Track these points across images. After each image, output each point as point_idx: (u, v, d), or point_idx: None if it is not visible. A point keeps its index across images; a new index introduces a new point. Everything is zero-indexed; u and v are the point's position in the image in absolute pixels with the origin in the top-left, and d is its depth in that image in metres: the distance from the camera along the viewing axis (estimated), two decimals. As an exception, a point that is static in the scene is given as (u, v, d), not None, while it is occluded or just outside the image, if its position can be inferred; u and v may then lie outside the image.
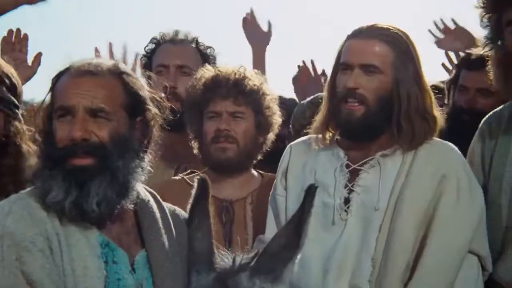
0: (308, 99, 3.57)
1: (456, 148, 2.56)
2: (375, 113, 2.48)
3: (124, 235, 2.07)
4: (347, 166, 2.54)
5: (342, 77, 2.51)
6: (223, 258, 1.91)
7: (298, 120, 3.50)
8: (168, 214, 2.15)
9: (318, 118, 2.59)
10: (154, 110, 2.14)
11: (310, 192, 1.81)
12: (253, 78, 2.93)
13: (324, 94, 2.64)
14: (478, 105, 3.28)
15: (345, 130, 2.54)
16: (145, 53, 3.55)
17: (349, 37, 2.54)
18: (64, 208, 1.96)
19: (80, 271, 1.94)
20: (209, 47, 3.56)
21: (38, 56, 3.56)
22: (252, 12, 4.47)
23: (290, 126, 3.56)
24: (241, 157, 2.89)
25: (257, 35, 4.43)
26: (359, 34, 2.52)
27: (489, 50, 2.65)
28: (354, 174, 2.52)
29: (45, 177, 1.99)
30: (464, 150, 3.15)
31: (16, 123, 2.45)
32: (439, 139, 2.56)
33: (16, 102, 2.47)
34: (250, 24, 4.45)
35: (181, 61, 3.46)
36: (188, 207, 2.11)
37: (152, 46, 3.55)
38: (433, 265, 2.38)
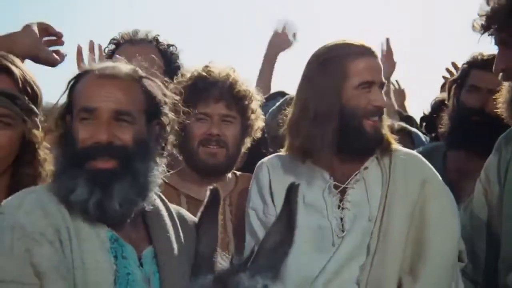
0: (277, 104, 3.60)
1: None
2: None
3: (133, 232, 2.13)
4: (335, 186, 2.61)
5: (366, 95, 2.56)
6: (220, 261, 1.91)
7: (272, 127, 3.47)
8: (174, 214, 2.23)
9: (318, 139, 2.55)
10: (170, 114, 2.20)
11: (293, 189, 1.89)
12: (244, 82, 2.95)
13: (323, 112, 2.57)
14: (489, 106, 3.19)
15: (365, 146, 2.60)
16: (105, 54, 3.48)
17: (361, 55, 2.58)
18: (87, 208, 2.02)
19: (90, 264, 1.99)
20: (171, 45, 3.53)
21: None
22: (287, 24, 4.54)
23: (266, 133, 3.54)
24: (229, 161, 2.92)
25: (280, 43, 4.53)
26: (369, 53, 2.60)
27: None
28: (341, 192, 2.61)
29: (68, 175, 2.04)
30: (471, 152, 3.14)
31: (35, 131, 2.50)
32: (402, 147, 2.73)
33: (36, 110, 2.51)
34: (279, 36, 4.54)
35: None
36: (199, 213, 2.19)
37: (112, 47, 3.51)
38: (435, 269, 2.50)
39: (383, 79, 2.63)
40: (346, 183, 2.60)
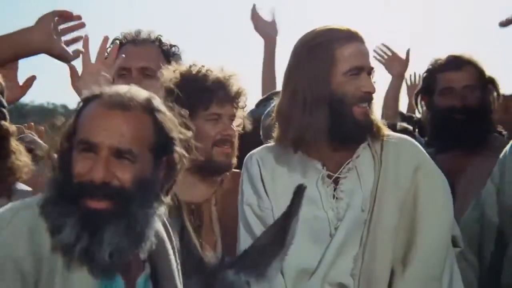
0: (272, 105, 3.53)
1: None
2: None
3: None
4: (328, 176, 2.57)
5: (354, 81, 2.52)
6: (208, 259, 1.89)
7: (269, 127, 3.44)
8: (168, 226, 2.13)
9: (312, 127, 2.51)
10: (181, 151, 2.01)
11: (300, 191, 1.82)
12: (240, 80, 2.96)
13: (313, 100, 2.53)
14: (469, 101, 3.41)
15: (355, 134, 2.55)
16: (107, 54, 3.39)
17: (348, 40, 2.54)
18: (73, 252, 1.83)
19: None
20: (174, 46, 3.49)
21: (31, 79, 3.14)
22: (254, 8, 4.42)
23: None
24: (234, 160, 2.94)
25: (264, 28, 4.42)
26: (356, 38, 2.57)
27: None
28: (335, 182, 2.58)
29: (59, 210, 1.86)
30: (459, 151, 3.27)
31: (4, 122, 2.49)
32: (393, 132, 2.70)
33: (4, 103, 2.52)
34: (256, 20, 4.42)
35: (143, 63, 3.36)
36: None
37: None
38: (426, 254, 2.48)
39: (372, 65, 2.60)
40: (338, 172, 2.57)
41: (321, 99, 2.50)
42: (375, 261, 2.47)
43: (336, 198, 2.55)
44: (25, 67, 3.08)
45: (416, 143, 2.69)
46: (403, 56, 4.46)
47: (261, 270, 1.78)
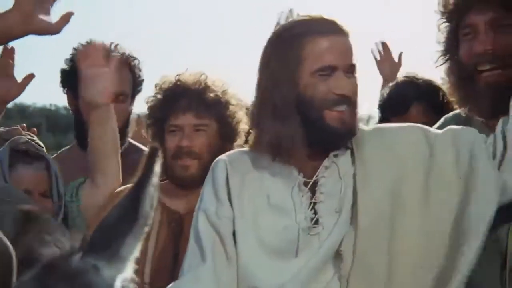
0: None
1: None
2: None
3: None
4: (304, 183, 2.29)
5: (325, 82, 2.20)
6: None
7: None
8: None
9: (286, 135, 2.25)
10: None
11: (152, 155, 1.65)
12: (215, 87, 2.91)
13: (281, 104, 2.25)
14: None
15: (332, 140, 2.29)
16: (67, 67, 3.35)
17: (321, 33, 2.21)
18: None
19: None
20: (135, 58, 3.34)
21: (30, 77, 2.98)
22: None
23: None
24: (204, 172, 2.69)
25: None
26: (333, 31, 2.22)
27: (443, 63, 2.68)
28: (313, 187, 2.29)
29: None
30: None
31: None
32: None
33: None
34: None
35: (117, 88, 3.06)
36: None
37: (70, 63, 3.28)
38: None
39: (352, 61, 2.23)
40: (315, 175, 2.27)
41: (290, 103, 2.20)
42: (367, 256, 2.23)
43: (315, 203, 2.25)
44: (26, 67, 3.07)
45: (395, 125, 2.44)
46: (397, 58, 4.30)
47: (113, 251, 1.56)
